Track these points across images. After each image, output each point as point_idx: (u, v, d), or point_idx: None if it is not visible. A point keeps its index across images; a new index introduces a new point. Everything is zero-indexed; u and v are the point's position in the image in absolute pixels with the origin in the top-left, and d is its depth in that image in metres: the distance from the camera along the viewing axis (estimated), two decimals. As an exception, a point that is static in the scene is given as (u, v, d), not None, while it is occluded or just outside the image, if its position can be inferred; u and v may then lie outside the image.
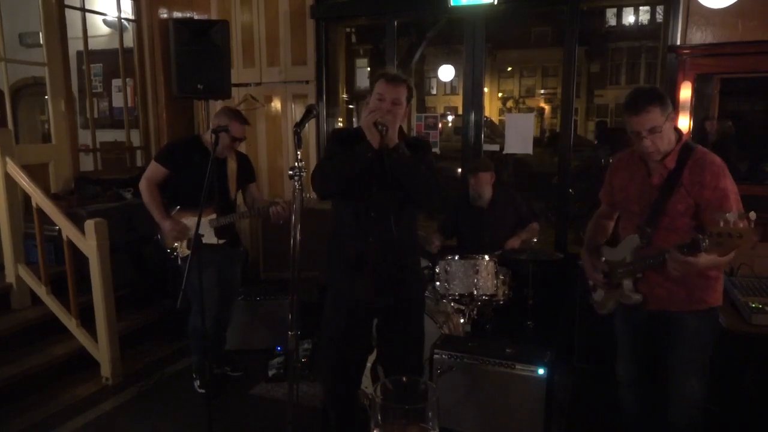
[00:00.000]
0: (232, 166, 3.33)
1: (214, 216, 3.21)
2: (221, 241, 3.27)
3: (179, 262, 3.28)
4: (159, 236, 3.32)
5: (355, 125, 5.76)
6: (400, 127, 2.27)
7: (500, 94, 25.26)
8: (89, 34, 4.89)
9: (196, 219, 2.51)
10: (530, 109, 21.72)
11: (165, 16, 5.10)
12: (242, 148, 3.57)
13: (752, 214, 1.77)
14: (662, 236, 2.13)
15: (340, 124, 5.19)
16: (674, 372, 2.22)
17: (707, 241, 1.84)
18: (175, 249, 3.26)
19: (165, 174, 3.24)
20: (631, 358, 2.40)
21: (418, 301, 2.49)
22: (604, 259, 2.40)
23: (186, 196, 3.17)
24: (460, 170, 4.61)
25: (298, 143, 1.93)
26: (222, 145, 3.16)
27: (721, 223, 1.78)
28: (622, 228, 2.38)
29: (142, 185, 3.25)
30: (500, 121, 17.76)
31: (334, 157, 2.25)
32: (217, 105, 4.57)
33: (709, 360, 2.19)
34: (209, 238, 3.20)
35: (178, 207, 3.25)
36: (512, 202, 3.98)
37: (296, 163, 1.92)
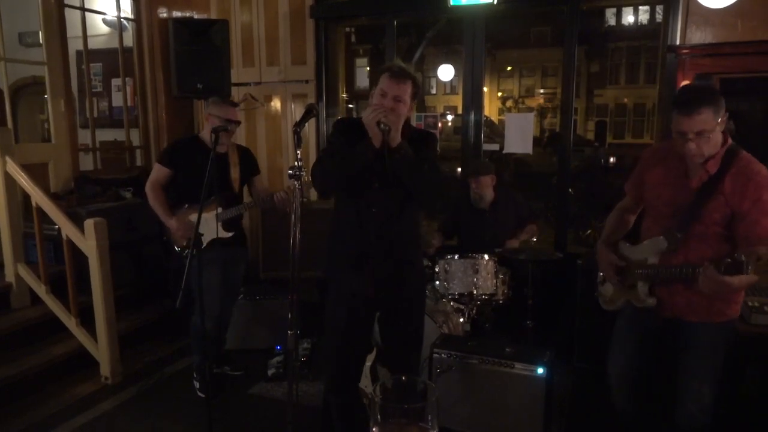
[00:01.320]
0: (233, 160, 3.34)
1: (219, 210, 3.21)
2: (229, 234, 3.27)
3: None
4: (167, 237, 3.32)
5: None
6: (407, 120, 2.23)
7: (500, 94, 25.30)
8: (89, 33, 4.88)
9: (201, 217, 2.52)
10: (530, 109, 21.72)
11: (164, 15, 5.10)
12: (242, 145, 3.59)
13: None
14: (691, 244, 2.03)
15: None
16: (685, 378, 2.16)
17: (751, 265, 1.74)
18: (186, 248, 3.26)
19: (168, 175, 3.26)
20: (631, 360, 2.33)
21: (419, 298, 2.48)
22: (621, 254, 2.29)
23: (190, 194, 3.17)
24: (459, 170, 4.61)
25: (298, 143, 1.93)
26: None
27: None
28: (646, 227, 2.24)
29: (147, 188, 3.28)
30: (500, 120, 17.78)
31: (335, 153, 2.23)
32: (216, 104, 4.57)
33: (722, 368, 2.13)
34: (217, 232, 3.20)
35: (186, 206, 3.26)
36: (513, 203, 3.98)
37: (296, 163, 1.92)
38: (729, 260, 1.80)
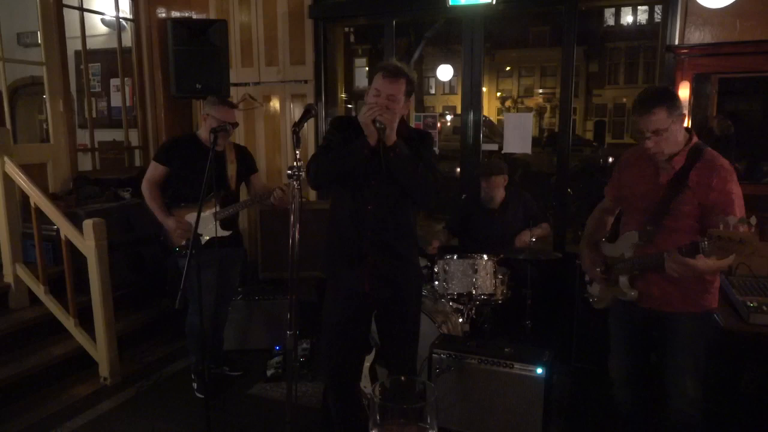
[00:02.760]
0: (230, 157, 3.33)
1: (216, 209, 3.21)
2: (227, 233, 3.26)
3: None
4: (164, 236, 3.31)
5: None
6: (403, 118, 2.25)
7: (499, 94, 25.26)
8: (87, 33, 4.88)
9: (199, 216, 2.52)
10: (529, 109, 21.71)
11: (163, 15, 5.10)
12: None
13: (753, 219, 1.77)
14: (664, 236, 2.13)
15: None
16: (669, 372, 2.23)
17: (707, 243, 1.84)
18: (184, 248, 3.24)
19: (165, 173, 3.25)
20: (625, 356, 2.41)
21: (415, 295, 2.48)
22: (602, 253, 2.40)
23: (187, 193, 3.18)
24: (459, 170, 4.61)
25: (297, 143, 1.93)
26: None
27: (722, 227, 1.78)
28: (624, 224, 2.37)
29: (144, 187, 3.26)
30: (499, 120, 17.78)
31: (330, 149, 2.24)
32: (215, 105, 4.57)
33: (705, 361, 2.19)
34: (214, 231, 3.19)
35: (183, 204, 3.25)
36: (523, 203, 3.99)
37: (295, 163, 1.92)
38: (689, 243, 1.93)
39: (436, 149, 4.59)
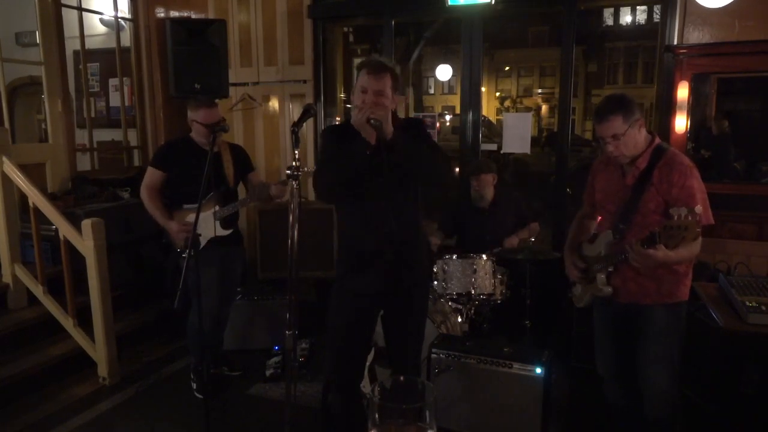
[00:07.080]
0: (226, 157, 3.32)
1: (217, 208, 3.20)
2: (228, 232, 3.26)
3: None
4: (166, 239, 3.30)
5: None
6: (393, 113, 2.24)
7: (498, 94, 25.27)
8: (86, 33, 4.87)
9: (198, 216, 2.52)
10: (528, 109, 21.71)
11: (162, 15, 5.09)
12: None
13: (698, 208, 1.90)
14: (635, 233, 2.22)
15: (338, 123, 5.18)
16: (643, 365, 2.32)
17: (660, 233, 1.95)
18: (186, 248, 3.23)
19: (162, 177, 3.25)
20: (609, 352, 2.50)
21: (422, 293, 2.48)
22: (583, 255, 2.52)
23: (186, 195, 3.17)
24: (458, 170, 4.61)
25: (296, 143, 1.93)
26: (201, 135, 3.18)
27: (675, 218, 1.90)
28: (600, 226, 2.51)
29: (143, 193, 3.25)
30: (498, 120, 17.78)
31: (332, 159, 2.23)
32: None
33: (679, 353, 2.29)
34: (216, 230, 3.18)
35: (184, 206, 3.24)
36: (514, 202, 3.99)
37: (294, 163, 1.92)
38: (648, 234, 2.02)
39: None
